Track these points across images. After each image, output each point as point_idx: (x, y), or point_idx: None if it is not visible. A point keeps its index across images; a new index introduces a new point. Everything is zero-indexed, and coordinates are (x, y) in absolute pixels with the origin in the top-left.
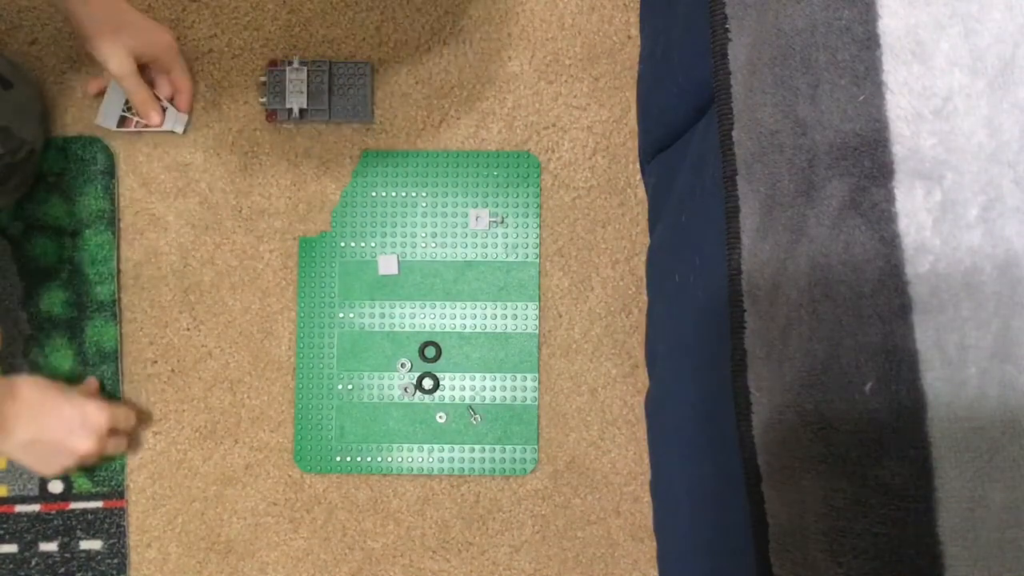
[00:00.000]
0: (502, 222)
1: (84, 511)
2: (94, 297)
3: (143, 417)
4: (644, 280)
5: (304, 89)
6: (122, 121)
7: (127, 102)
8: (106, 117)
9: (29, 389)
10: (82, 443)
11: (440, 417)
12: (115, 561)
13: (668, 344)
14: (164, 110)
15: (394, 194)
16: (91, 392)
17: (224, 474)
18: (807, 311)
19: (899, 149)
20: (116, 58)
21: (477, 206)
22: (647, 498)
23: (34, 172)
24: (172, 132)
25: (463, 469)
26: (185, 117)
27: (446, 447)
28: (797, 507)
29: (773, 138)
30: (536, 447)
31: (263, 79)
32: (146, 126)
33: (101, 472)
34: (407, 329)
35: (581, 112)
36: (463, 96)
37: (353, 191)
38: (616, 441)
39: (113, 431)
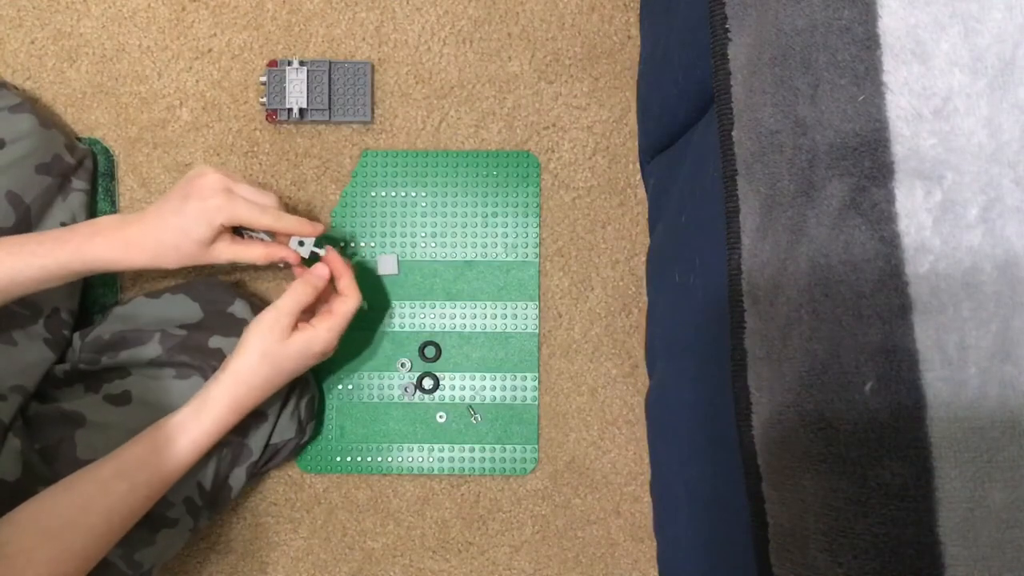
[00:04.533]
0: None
1: None
2: (96, 300)
3: None
4: (644, 280)
5: (304, 89)
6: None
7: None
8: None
9: None
10: None
11: (440, 417)
12: None
13: (668, 344)
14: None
15: (394, 194)
16: None
17: None
18: (807, 311)
19: (899, 149)
20: (221, 251)
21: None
22: (647, 498)
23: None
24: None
25: (463, 469)
26: (311, 241)
27: (446, 447)
28: (797, 507)
29: (773, 138)
30: (536, 447)
31: (263, 79)
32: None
33: None
34: (407, 329)
35: (581, 112)
36: (463, 96)
37: (353, 191)
38: (616, 441)
39: None
